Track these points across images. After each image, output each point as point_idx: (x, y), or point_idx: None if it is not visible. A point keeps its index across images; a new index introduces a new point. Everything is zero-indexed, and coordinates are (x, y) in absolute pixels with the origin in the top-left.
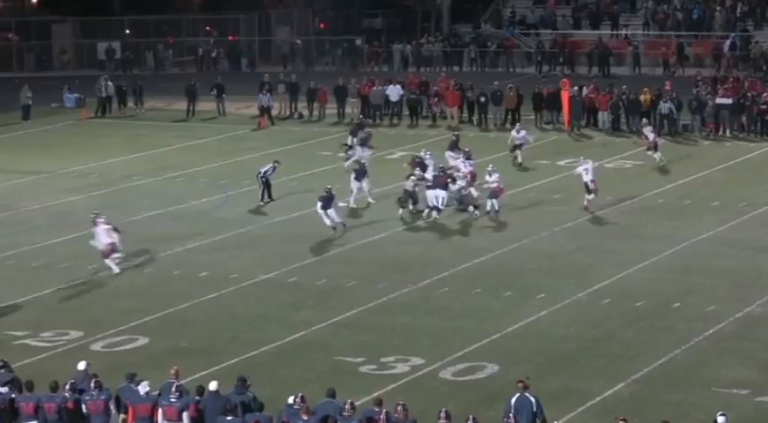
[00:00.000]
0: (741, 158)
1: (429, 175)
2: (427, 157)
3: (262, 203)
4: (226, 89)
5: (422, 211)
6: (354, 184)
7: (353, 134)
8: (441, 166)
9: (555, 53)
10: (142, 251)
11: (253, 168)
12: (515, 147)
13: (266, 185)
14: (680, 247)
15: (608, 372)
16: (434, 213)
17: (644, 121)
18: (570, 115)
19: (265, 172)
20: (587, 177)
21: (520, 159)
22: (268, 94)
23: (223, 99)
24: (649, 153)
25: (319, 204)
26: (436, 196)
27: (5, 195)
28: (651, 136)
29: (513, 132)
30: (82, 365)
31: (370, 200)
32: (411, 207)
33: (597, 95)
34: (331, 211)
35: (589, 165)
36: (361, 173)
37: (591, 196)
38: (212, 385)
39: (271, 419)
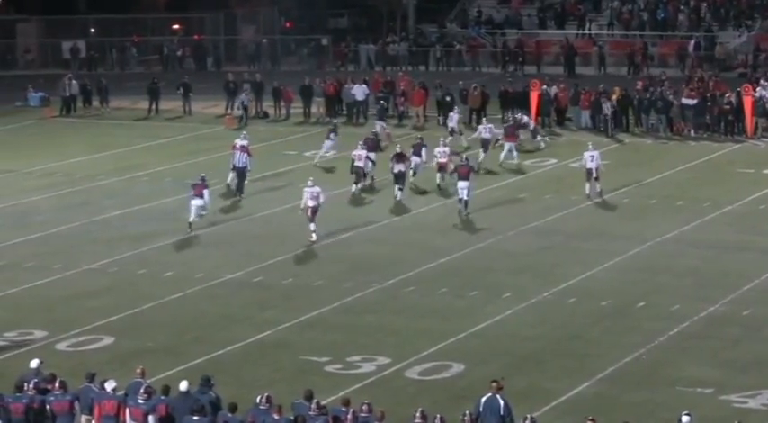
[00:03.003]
0: (705, 158)
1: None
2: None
3: (239, 197)
4: (192, 88)
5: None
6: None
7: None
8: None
9: (519, 53)
10: (107, 251)
11: (218, 168)
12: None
13: (241, 178)
14: (645, 246)
15: (573, 371)
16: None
17: (456, 109)
18: (538, 114)
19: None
20: (592, 164)
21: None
22: (250, 95)
23: (189, 98)
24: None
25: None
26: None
27: None
28: (451, 126)
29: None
30: (35, 363)
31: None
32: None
33: (568, 95)
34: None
35: (595, 152)
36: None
37: (588, 185)
38: (182, 385)
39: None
